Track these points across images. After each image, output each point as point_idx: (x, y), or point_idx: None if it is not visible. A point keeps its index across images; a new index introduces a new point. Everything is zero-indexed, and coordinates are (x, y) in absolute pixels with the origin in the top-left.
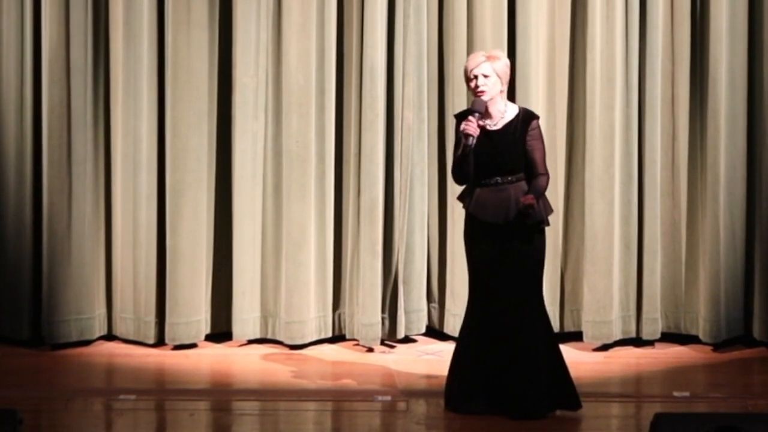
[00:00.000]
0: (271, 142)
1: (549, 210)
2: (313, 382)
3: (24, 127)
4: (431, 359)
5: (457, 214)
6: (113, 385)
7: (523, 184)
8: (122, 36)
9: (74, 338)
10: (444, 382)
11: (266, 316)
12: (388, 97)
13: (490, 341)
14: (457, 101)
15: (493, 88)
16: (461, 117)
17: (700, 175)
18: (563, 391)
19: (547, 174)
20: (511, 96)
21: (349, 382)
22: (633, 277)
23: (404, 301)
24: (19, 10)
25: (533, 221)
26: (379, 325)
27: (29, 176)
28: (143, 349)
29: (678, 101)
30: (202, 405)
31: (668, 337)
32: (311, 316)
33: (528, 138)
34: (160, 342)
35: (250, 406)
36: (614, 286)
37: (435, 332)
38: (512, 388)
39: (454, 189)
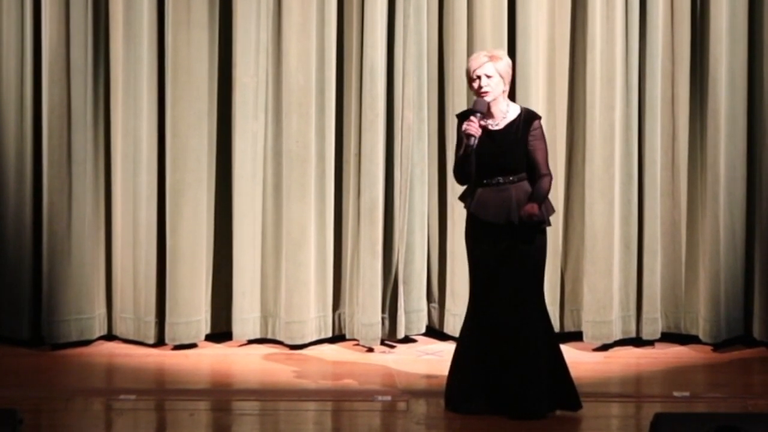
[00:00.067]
0: (271, 142)
1: (550, 210)
2: (313, 382)
3: (24, 127)
4: (431, 359)
5: (457, 214)
6: (113, 385)
7: (525, 184)
8: (122, 36)
9: (74, 338)
10: (444, 382)
11: (266, 316)
12: (388, 97)
13: (490, 341)
14: (457, 101)
15: (496, 89)
16: (463, 117)
17: (700, 175)
18: (563, 391)
19: (549, 175)
20: (512, 96)
21: (349, 382)
22: (633, 277)
23: (404, 301)
24: (19, 10)
25: (535, 222)
26: (379, 325)
27: (29, 176)
28: (143, 349)
29: (678, 101)
30: (202, 405)
31: (668, 337)
32: (311, 316)
33: (530, 138)
34: (160, 342)
35: (250, 406)
36: (614, 286)
37: (435, 332)
38: (512, 388)
39: (454, 189)
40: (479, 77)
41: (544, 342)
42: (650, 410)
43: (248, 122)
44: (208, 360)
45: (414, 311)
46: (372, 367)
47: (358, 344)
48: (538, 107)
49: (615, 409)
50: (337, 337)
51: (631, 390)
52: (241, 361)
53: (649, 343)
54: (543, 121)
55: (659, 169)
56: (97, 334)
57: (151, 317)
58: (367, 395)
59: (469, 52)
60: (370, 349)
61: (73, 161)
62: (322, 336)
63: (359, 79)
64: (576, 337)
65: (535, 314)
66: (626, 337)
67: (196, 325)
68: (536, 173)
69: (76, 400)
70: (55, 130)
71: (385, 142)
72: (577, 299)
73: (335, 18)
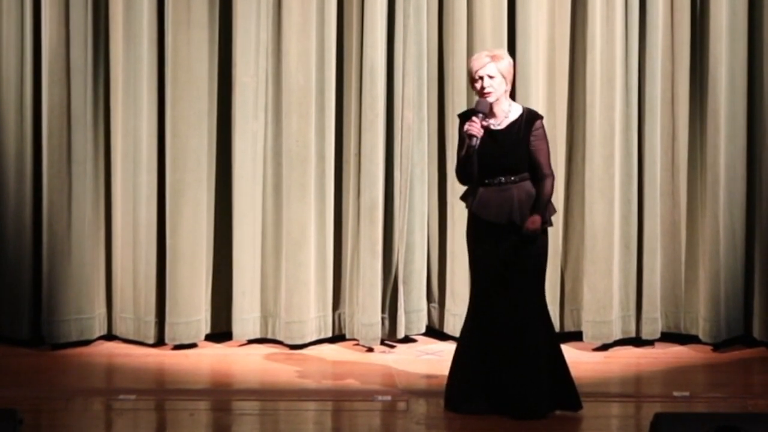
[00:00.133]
0: (271, 142)
1: (552, 210)
2: (313, 382)
3: (24, 127)
4: (431, 359)
5: (457, 214)
6: (113, 385)
7: (527, 184)
8: (122, 36)
9: (74, 338)
10: (444, 382)
11: (266, 316)
12: (388, 97)
13: (491, 341)
14: (457, 101)
15: (498, 89)
16: (465, 117)
17: (700, 175)
18: (564, 391)
19: (551, 175)
20: (512, 96)
21: (349, 382)
22: (633, 276)
23: (404, 301)
24: (19, 10)
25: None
26: (379, 325)
27: (29, 176)
28: (143, 349)
29: (678, 101)
30: (202, 405)
31: (668, 337)
32: (311, 316)
33: (532, 138)
34: (160, 342)
35: (250, 406)
36: (614, 286)
37: (435, 332)
38: (513, 388)
39: (454, 189)
40: (481, 78)
41: (545, 342)
42: (650, 410)
43: (248, 122)
44: (208, 360)
45: (414, 311)
46: (372, 367)
47: (358, 344)
48: (538, 107)
49: (615, 409)
50: (337, 337)
51: (631, 390)
52: (241, 361)
53: (649, 343)
54: (543, 121)
55: (659, 169)
56: (97, 334)
57: (151, 317)
58: (367, 395)
59: (469, 52)
60: (370, 349)
61: (73, 161)
62: (322, 336)
63: (359, 79)
64: (576, 337)
65: (536, 314)
66: (626, 337)
67: (196, 325)
68: (538, 174)
69: (76, 400)
70: (55, 130)
71: (385, 142)
72: (577, 299)
73: (335, 18)
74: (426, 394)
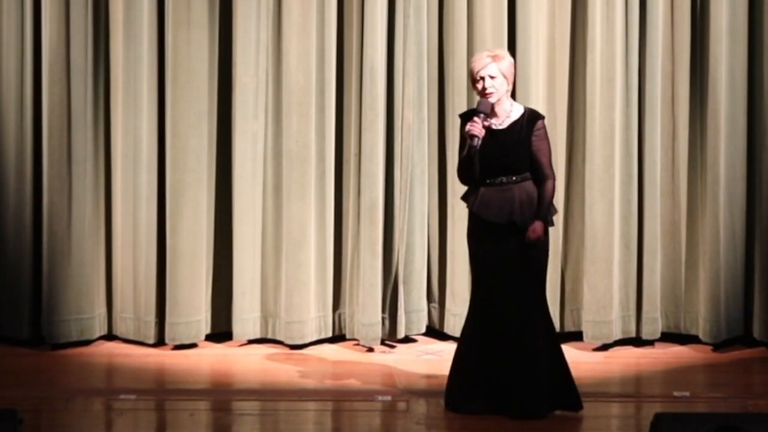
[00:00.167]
0: (271, 142)
1: (553, 211)
2: (313, 382)
3: (24, 127)
4: (431, 359)
5: (457, 214)
6: (113, 385)
7: (528, 184)
8: (122, 36)
9: (74, 338)
10: (444, 382)
11: (266, 316)
12: (388, 97)
13: (492, 341)
14: (457, 101)
15: (500, 89)
16: (466, 117)
17: (700, 175)
18: (564, 391)
19: (552, 177)
20: (512, 96)
21: (349, 382)
22: (633, 277)
23: (404, 301)
24: (19, 10)
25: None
26: (379, 325)
27: (29, 176)
28: (143, 349)
29: (678, 101)
30: (202, 405)
31: (668, 337)
32: (311, 316)
33: (533, 138)
34: (160, 342)
35: (250, 406)
36: (614, 286)
37: (435, 332)
38: (513, 388)
39: (454, 189)
40: (483, 78)
41: (546, 342)
42: (650, 410)
43: (248, 122)
44: (208, 360)
45: (414, 311)
46: (372, 367)
47: (358, 344)
48: (538, 107)
49: (615, 409)
50: (337, 337)
51: (631, 390)
52: (241, 361)
53: (649, 343)
54: (544, 121)
55: (659, 169)
56: (97, 334)
57: (151, 317)
58: (367, 395)
59: (469, 52)
60: (370, 349)
61: (73, 161)
62: (322, 336)
63: (359, 79)
64: (576, 337)
65: (537, 314)
66: (626, 337)
67: (196, 325)
68: (539, 175)
69: (76, 400)
70: (55, 130)
71: (385, 142)
72: (577, 299)
73: (335, 18)
74: (426, 394)
